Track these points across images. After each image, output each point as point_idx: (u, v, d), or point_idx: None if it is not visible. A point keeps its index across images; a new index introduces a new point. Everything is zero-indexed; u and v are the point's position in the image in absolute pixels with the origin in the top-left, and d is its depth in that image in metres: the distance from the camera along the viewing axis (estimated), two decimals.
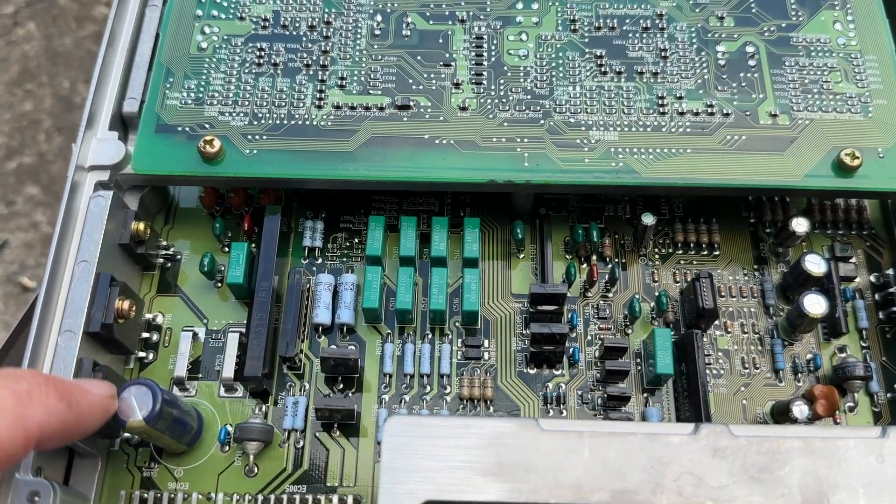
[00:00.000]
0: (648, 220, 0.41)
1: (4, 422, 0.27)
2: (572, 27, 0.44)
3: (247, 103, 0.41)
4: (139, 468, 0.38)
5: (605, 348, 0.39)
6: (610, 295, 0.42)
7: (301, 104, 0.42)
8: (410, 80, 0.42)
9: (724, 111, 0.42)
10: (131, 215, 0.40)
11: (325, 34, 0.44)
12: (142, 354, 0.40)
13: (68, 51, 1.04)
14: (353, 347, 0.41)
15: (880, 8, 0.45)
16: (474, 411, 0.40)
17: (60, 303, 0.37)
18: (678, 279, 0.43)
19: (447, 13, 0.44)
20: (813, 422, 0.38)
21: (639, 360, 0.41)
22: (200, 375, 0.40)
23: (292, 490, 0.38)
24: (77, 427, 0.31)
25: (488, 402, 0.40)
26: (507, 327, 0.42)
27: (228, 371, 0.39)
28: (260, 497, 0.37)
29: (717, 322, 0.42)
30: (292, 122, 0.41)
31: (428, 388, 0.40)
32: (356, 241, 0.44)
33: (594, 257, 0.43)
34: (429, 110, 0.41)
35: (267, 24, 0.44)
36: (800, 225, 0.41)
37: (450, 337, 0.41)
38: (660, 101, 0.42)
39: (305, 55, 0.43)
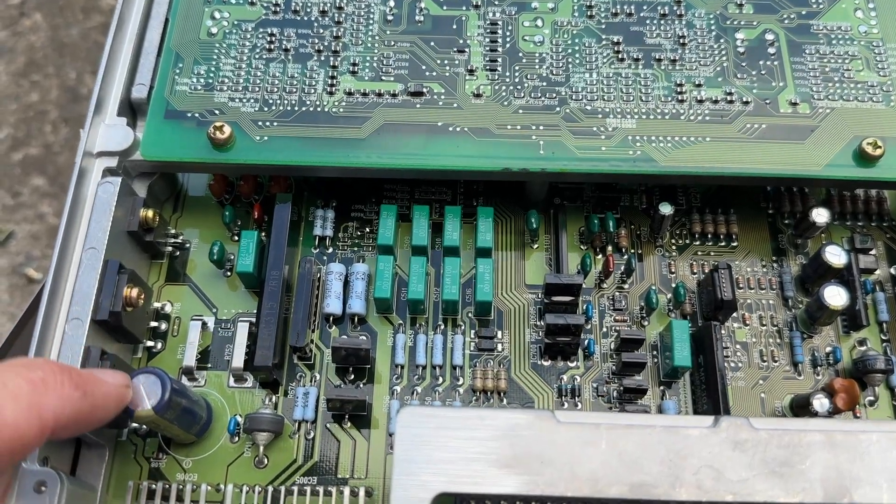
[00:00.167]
0: (666, 209, 0.40)
1: (19, 409, 0.26)
2: (589, 13, 0.43)
3: (257, 89, 0.41)
4: (147, 459, 0.38)
5: (621, 340, 0.38)
6: (626, 286, 0.42)
7: (312, 90, 0.41)
8: (424, 67, 0.42)
9: (744, 99, 0.41)
10: (140, 202, 0.39)
11: (336, 19, 0.43)
12: (150, 343, 0.40)
13: (75, 42, 1.03)
14: (364, 338, 0.40)
15: None
16: (487, 403, 0.39)
17: (68, 290, 0.37)
18: (695, 270, 0.42)
19: None
20: (833, 416, 0.38)
21: (655, 352, 0.40)
22: (210, 365, 0.40)
23: (303, 482, 0.37)
24: (92, 416, 0.30)
25: (502, 394, 0.39)
26: (521, 318, 0.41)
27: (238, 361, 0.39)
28: (270, 489, 0.36)
29: (734, 314, 0.41)
30: (303, 109, 0.40)
31: (440, 379, 0.40)
32: (367, 230, 0.43)
33: (609, 248, 0.42)
34: (442, 97, 0.41)
35: (278, 9, 0.43)
36: (820, 216, 0.41)
37: (462, 328, 0.41)
38: (678, 89, 0.41)
39: (317, 41, 0.42)
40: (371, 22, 0.43)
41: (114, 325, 0.36)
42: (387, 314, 0.41)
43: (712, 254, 0.43)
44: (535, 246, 0.43)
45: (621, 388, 0.38)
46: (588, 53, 0.42)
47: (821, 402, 0.37)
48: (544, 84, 0.41)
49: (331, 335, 0.41)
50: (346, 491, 0.36)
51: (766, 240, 0.43)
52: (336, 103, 0.41)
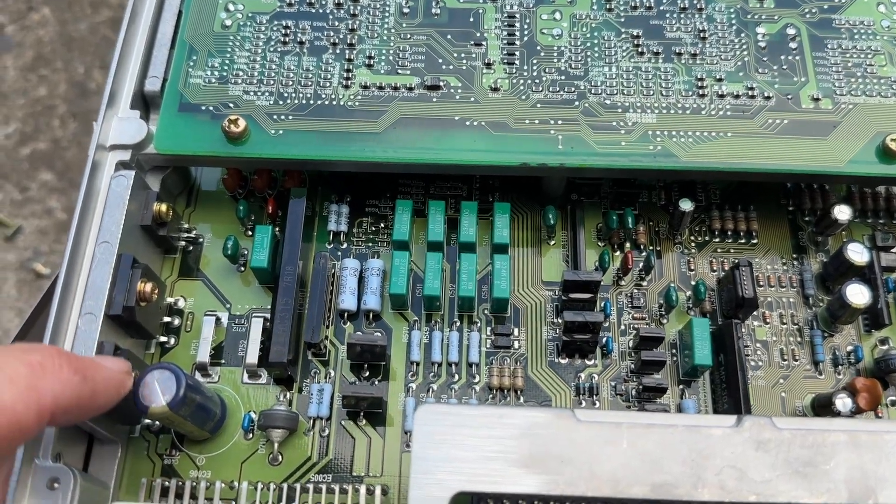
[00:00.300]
0: (686, 205, 0.40)
1: (17, 392, 0.25)
2: (608, 6, 0.42)
3: (272, 82, 0.40)
4: (160, 455, 0.37)
5: (640, 338, 0.38)
6: (644, 283, 0.41)
7: (328, 84, 0.40)
8: (440, 60, 0.41)
9: (766, 94, 0.40)
10: (153, 196, 0.39)
11: (352, 12, 0.42)
12: (163, 339, 0.39)
13: (83, 36, 1.03)
14: (379, 334, 0.40)
15: None
16: (504, 401, 0.39)
17: (81, 284, 0.36)
18: (715, 268, 0.41)
19: None
20: (855, 415, 0.37)
21: (674, 350, 0.40)
22: (223, 361, 0.39)
23: (318, 479, 0.37)
24: (93, 401, 0.30)
25: (518, 392, 0.39)
26: (538, 316, 0.40)
27: (252, 357, 0.38)
28: (285, 486, 0.36)
29: (754, 312, 0.40)
30: (319, 102, 0.40)
31: (456, 376, 0.39)
32: (382, 225, 0.43)
33: (627, 245, 0.42)
34: (459, 91, 0.40)
35: (293, 1, 0.43)
36: (842, 213, 0.40)
37: (478, 325, 0.40)
38: (699, 83, 0.40)
39: (332, 33, 0.42)
40: (387, 14, 0.42)
41: (127, 320, 0.36)
42: (402, 311, 0.41)
43: (732, 251, 0.42)
44: (552, 242, 0.42)
45: (640, 387, 0.38)
46: (607, 47, 0.41)
47: (843, 402, 0.37)
48: (563, 78, 0.40)
49: (345, 331, 0.40)
50: (363, 489, 0.36)
51: (786, 237, 0.43)
52: (352, 97, 0.40)
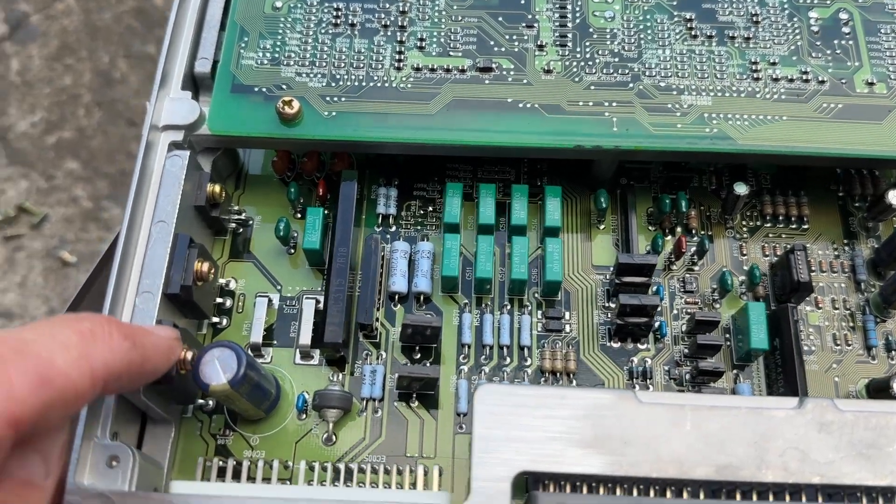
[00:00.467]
0: (741, 189, 0.39)
1: (70, 358, 0.25)
2: None
3: (324, 64, 0.40)
4: (213, 436, 0.37)
5: (695, 322, 0.38)
6: (696, 268, 0.41)
7: (380, 66, 0.40)
8: (492, 42, 0.41)
9: (820, 78, 0.40)
10: (206, 177, 0.39)
11: None
12: (215, 320, 0.39)
13: (108, 25, 1.03)
14: (429, 316, 0.40)
15: None
16: (557, 384, 0.38)
17: (137, 264, 0.36)
18: (767, 253, 0.41)
19: None
20: None
21: (727, 335, 0.39)
22: (275, 342, 0.39)
23: (373, 460, 0.36)
24: (144, 368, 0.29)
25: (571, 375, 0.39)
26: (589, 299, 0.40)
27: (305, 338, 0.38)
28: (342, 466, 0.36)
29: (807, 298, 0.40)
30: (371, 84, 0.40)
31: (508, 359, 0.39)
32: (430, 209, 0.43)
33: (679, 229, 0.42)
34: (511, 73, 0.40)
35: None
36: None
37: (528, 308, 0.40)
38: (753, 67, 0.40)
39: (383, 15, 0.42)
40: None
41: (184, 300, 0.36)
42: (452, 293, 0.40)
43: (783, 236, 0.42)
44: (602, 227, 0.42)
45: (694, 371, 0.38)
46: (660, 30, 0.41)
47: None
48: (616, 60, 0.40)
49: (395, 314, 0.40)
50: (420, 470, 0.35)
51: (836, 223, 0.42)
52: (404, 79, 0.40)
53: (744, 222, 0.42)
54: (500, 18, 0.42)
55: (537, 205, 0.42)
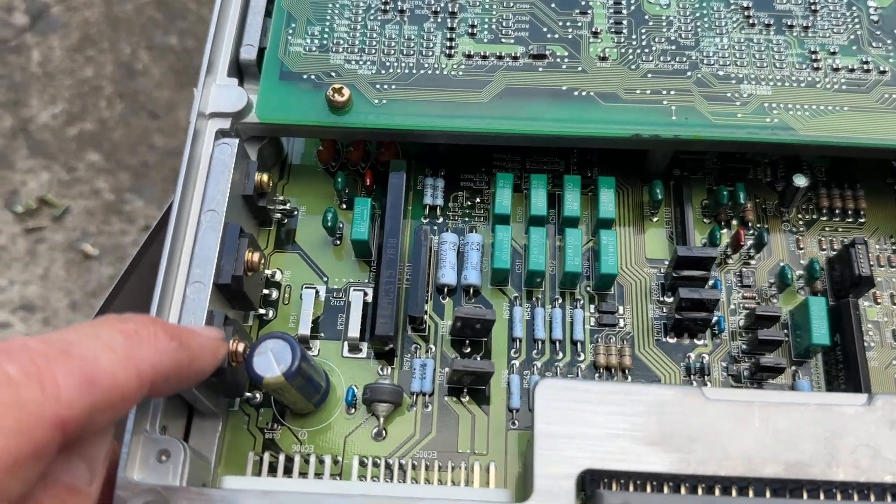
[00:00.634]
0: (801, 181, 0.38)
1: (116, 359, 0.24)
2: None
3: (374, 51, 0.39)
4: (261, 430, 0.37)
5: (755, 317, 0.37)
6: (752, 261, 0.40)
7: (430, 53, 0.39)
8: (545, 29, 0.40)
9: (881, 69, 0.39)
10: (254, 166, 0.38)
11: None
12: (262, 311, 0.39)
13: (129, 17, 1.02)
14: (478, 309, 0.39)
15: None
16: (613, 381, 0.38)
17: (186, 253, 0.35)
18: (824, 247, 0.40)
19: None
20: None
21: (785, 330, 0.38)
22: (322, 335, 0.38)
23: (425, 455, 0.36)
24: (190, 369, 0.29)
25: (626, 371, 0.38)
26: (643, 294, 0.39)
27: (354, 331, 0.37)
28: (396, 461, 0.35)
29: (865, 293, 0.39)
30: (421, 72, 0.39)
31: (560, 354, 0.38)
32: (477, 200, 0.42)
33: (735, 221, 0.41)
34: (566, 60, 0.39)
35: None
36: None
37: (581, 302, 0.39)
38: (812, 56, 0.39)
39: (433, 1, 0.41)
40: None
41: (234, 290, 0.35)
42: (502, 286, 0.40)
43: (840, 230, 0.41)
44: (655, 219, 0.41)
45: (754, 367, 0.37)
46: (717, 18, 0.40)
47: None
48: (673, 48, 0.39)
49: (444, 307, 0.39)
50: (476, 466, 0.35)
51: (893, 217, 0.41)
52: (455, 66, 0.39)
53: (800, 215, 0.41)
54: (553, 5, 0.41)
55: (587, 196, 0.42)
